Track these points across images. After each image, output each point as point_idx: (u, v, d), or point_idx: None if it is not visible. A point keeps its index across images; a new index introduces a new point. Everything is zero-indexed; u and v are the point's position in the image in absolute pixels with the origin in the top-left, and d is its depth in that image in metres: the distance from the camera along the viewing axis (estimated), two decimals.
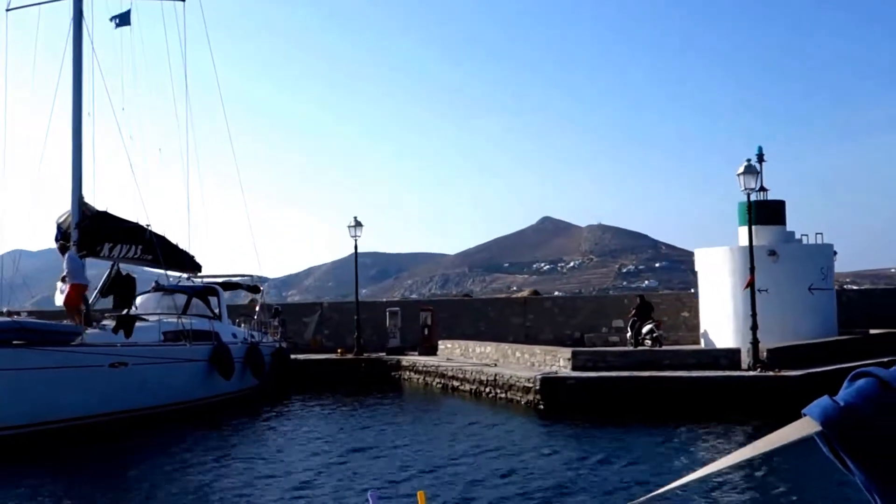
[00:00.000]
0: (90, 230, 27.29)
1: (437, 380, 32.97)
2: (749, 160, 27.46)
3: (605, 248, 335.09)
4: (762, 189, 34.55)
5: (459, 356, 34.80)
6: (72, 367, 23.47)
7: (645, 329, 34.72)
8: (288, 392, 32.76)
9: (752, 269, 27.39)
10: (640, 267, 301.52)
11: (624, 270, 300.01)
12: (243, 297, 38.88)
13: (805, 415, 1.11)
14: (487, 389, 29.32)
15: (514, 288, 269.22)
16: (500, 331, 39.19)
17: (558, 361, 28.21)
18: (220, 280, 34.35)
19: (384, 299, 76.50)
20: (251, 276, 37.22)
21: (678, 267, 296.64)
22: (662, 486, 1.41)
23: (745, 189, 27.37)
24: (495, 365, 30.98)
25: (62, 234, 27.14)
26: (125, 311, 28.23)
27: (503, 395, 28.29)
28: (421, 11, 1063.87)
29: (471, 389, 30.35)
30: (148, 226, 29.56)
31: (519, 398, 27.30)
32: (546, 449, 21.03)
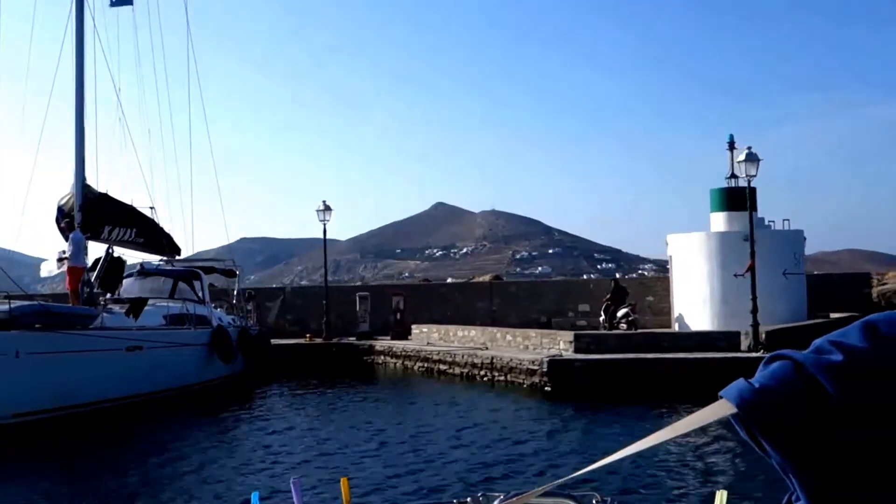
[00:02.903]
0: (94, 212, 26.79)
1: (420, 364, 33.06)
2: (749, 147, 28.17)
3: (499, 234, 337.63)
4: (733, 176, 35.53)
5: (439, 340, 34.95)
6: (92, 350, 23.11)
7: (620, 313, 35.34)
8: (270, 376, 32.56)
9: (752, 254, 28.21)
10: (534, 253, 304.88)
11: (517, 256, 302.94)
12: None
13: (721, 397, 1.15)
14: (483, 372, 29.58)
15: (407, 274, 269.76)
16: (467, 315, 39.47)
17: (558, 344, 28.60)
18: (198, 264, 33.95)
19: (273, 286, 76.21)
20: (224, 260, 36.84)
21: (571, 253, 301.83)
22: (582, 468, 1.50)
23: (746, 175, 28.12)
24: (486, 348, 31.25)
25: (64, 216, 26.57)
26: (110, 294, 27.86)
27: (502, 378, 28.57)
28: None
29: (462, 373, 30.56)
30: (152, 209, 29.19)
31: (521, 380, 27.61)
32: (571, 431, 21.11)
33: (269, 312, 41.11)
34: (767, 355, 1.19)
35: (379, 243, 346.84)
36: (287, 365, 34.73)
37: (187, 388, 27.20)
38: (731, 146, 35.38)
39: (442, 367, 31.77)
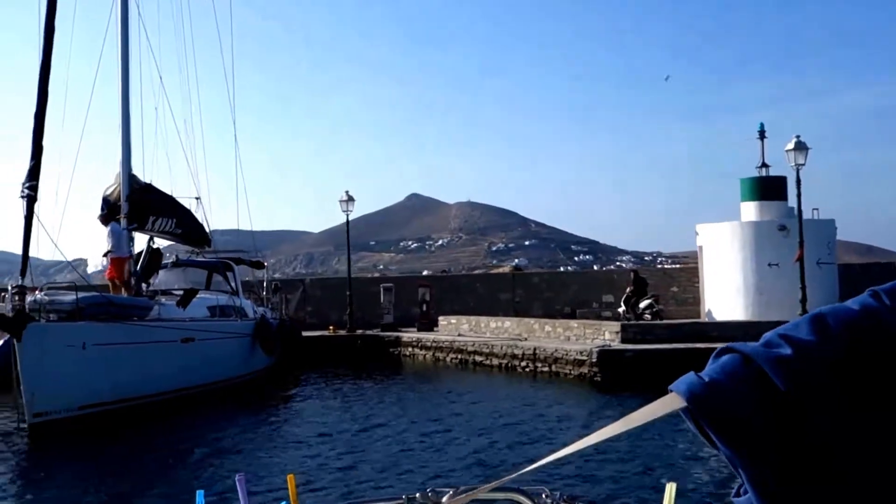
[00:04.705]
0: (139, 203, 26.45)
1: (453, 355, 32.89)
2: (798, 136, 28.20)
3: (475, 226, 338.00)
4: (764, 165, 35.59)
5: (469, 331, 34.78)
6: (151, 342, 22.90)
7: (643, 304, 35.38)
8: (301, 368, 32.33)
9: (801, 243, 28.26)
10: (510, 245, 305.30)
11: (493, 248, 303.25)
12: None
13: (671, 390, 1.15)
14: (524, 363, 29.43)
15: (381, 267, 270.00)
16: (489, 307, 39.33)
17: (603, 335, 28.51)
18: (226, 255, 33.65)
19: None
20: (250, 251, 36.52)
21: (547, 245, 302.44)
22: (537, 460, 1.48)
23: (795, 164, 28.13)
24: (525, 339, 31.12)
25: (109, 207, 26.20)
26: (147, 286, 27.65)
27: (545, 369, 28.46)
28: None
29: (500, 364, 30.40)
30: (197, 199, 28.94)
31: (568, 371, 27.52)
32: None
33: (289, 304, 40.80)
34: (717, 348, 1.17)
35: (353, 236, 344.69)
36: (314, 357, 34.48)
37: (234, 380, 27.03)
38: (762, 135, 35.46)
39: (478, 358, 31.56)
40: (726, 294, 34.42)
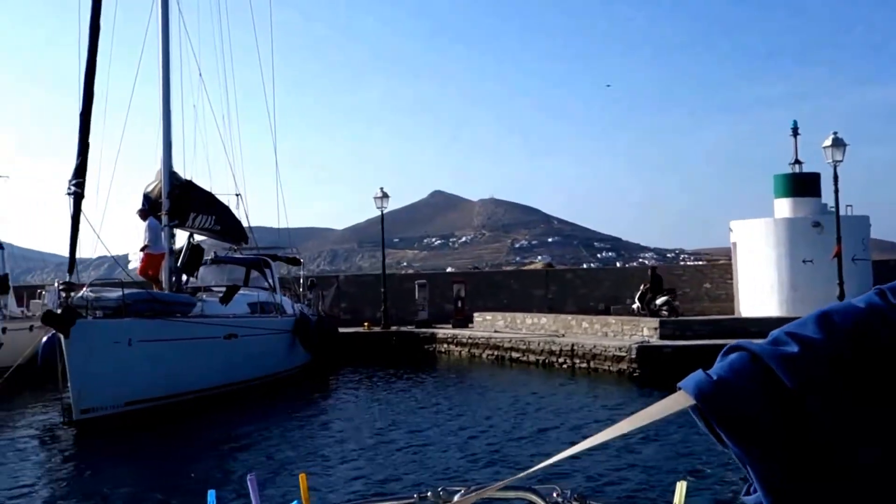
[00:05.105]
0: (181, 200, 26.59)
1: (489, 351, 32.94)
2: (835, 133, 28.14)
3: (498, 223, 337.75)
4: (797, 162, 35.51)
5: (505, 328, 34.84)
6: (196, 338, 23.03)
7: (660, 301, 35.33)
8: (338, 365, 32.44)
9: (838, 239, 28.23)
10: (533, 242, 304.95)
11: (517, 245, 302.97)
12: None
13: (680, 388, 1.16)
14: (562, 360, 29.46)
15: (405, 264, 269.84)
16: (523, 303, 39.37)
17: (641, 331, 28.55)
18: (265, 252, 33.77)
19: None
20: (285, 248, 36.62)
21: (570, 242, 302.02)
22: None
23: (832, 161, 28.06)
24: (562, 335, 31.16)
25: (150, 204, 26.34)
26: (186, 282, 27.78)
27: (583, 365, 28.50)
28: None
29: (537, 360, 30.43)
30: (238, 195, 29.12)
31: (607, 367, 27.55)
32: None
33: (324, 300, 40.95)
34: (726, 346, 1.19)
35: (377, 232, 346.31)
36: (350, 353, 34.59)
37: (274, 376, 27.18)
38: (795, 132, 35.38)
39: (514, 354, 31.61)
40: (760, 290, 34.37)
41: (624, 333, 29.18)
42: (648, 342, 27.35)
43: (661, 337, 27.71)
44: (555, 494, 3.05)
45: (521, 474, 1.74)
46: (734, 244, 36.38)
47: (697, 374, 1.15)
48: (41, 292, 33.55)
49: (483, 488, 2.67)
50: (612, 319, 30.88)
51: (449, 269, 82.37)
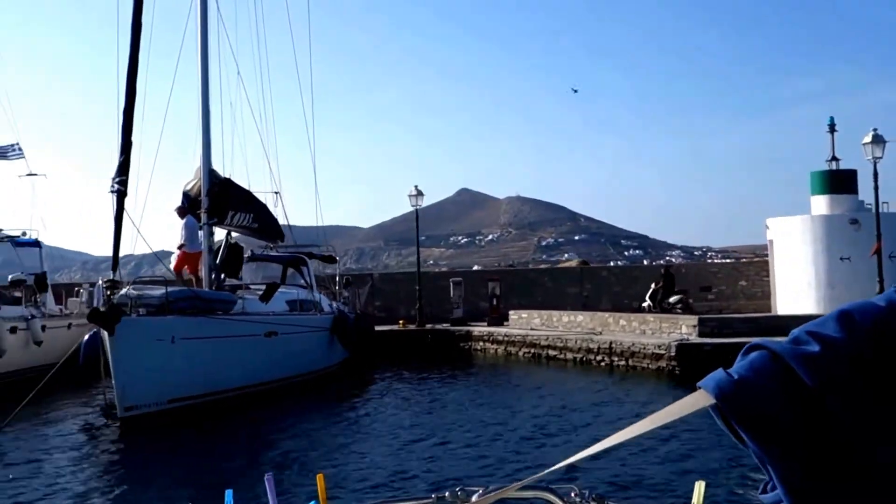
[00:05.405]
0: (220, 197, 26.65)
1: (525, 349, 32.89)
2: (875, 129, 27.98)
3: (524, 221, 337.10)
4: (834, 159, 35.30)
5: (541, 325, 34.79)
6: (237, 336, 23.12)
7: (673, 299, 35.21)
8: (375, 362, 32.47)
9: (878, 236, 28.04)
10: (560, 240, 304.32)
11: (543, 243, 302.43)
12: None
13: (700, 387, 1.16)
14: (599, 357, 29.39)
15: (431, 262, 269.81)
16: (557, 301, 39.30)
17: (680, 329, 28.49)
18: (301, 250, 33.85)
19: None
20: (321, 245, 36.67)
21: (597, 240, 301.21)
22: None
23: (872, 158, 27.90)
24: (600, 333, 31.09)
25: (190, 202, 26.43)
26: (224, 280, 27.82)
27: (622, 363, 28.42)
28: None
29: (575, 358, 30.36)
30: (276, 193, 29.21)
31: (646, 365, 27.46)
32: None
33: (359, 298, 41.00)
34: (746, 345, 1.19)
35: (403, 230, 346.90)
36: (386, 351, 34.63)
37: (313, 374, 27.24)
38: (832, 129, 35.17)
39: (551, 352, 31.55)
40: (797, 288, 34.19)
41: (662, 331, 29.12)
42: (688, 340, 27.26)
43: (700, 335, 27.63)
44: (573, 494, 3.05)
45: (540, 474, 1.74)
46: (770, 241, 36.21)
47: (717, 373, 1.16)
48: (79, 290, 33.77)
49: (501, 489, 2.69)
50: (650, 317, 30.80)
51: (476, 267, 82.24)
